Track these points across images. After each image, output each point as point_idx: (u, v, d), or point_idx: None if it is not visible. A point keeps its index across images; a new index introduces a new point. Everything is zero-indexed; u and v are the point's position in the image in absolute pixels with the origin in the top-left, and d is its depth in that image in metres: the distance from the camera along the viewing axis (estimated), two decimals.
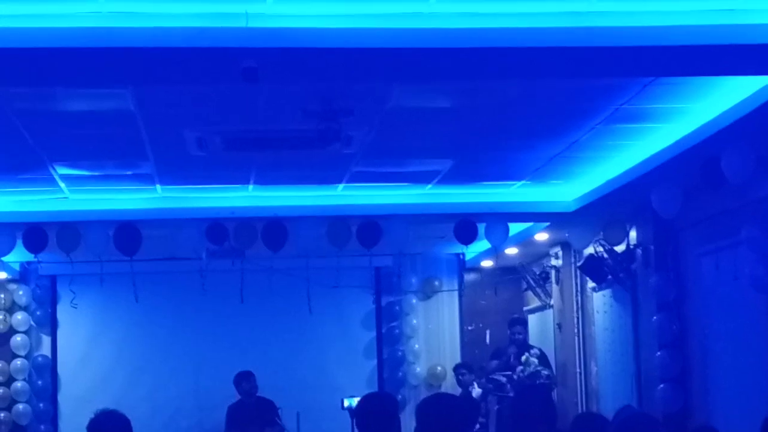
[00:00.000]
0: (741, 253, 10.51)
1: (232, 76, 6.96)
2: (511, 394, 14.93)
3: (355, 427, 7.54)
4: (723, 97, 8.92)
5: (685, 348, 12.47)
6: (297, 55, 7.02)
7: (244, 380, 14.44)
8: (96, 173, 11.51)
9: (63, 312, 16.69)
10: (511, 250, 16.31)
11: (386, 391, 15.48)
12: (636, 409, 6.51)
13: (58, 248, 13.00)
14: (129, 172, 11.54)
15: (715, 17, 7.07)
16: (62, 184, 11.92)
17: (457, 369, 16.61)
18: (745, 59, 7.38)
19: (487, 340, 18.39)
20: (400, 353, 17.48)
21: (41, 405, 16.70)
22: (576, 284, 15.95)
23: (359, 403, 7.67)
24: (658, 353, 12.57)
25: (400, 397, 16.79)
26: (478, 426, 15.10)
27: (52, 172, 11.25)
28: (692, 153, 9.91)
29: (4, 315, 16.92)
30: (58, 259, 13.62)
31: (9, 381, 16.82)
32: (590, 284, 15.19)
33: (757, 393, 10.29)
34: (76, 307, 15.92)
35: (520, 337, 15.71)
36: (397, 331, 17.54)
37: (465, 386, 16.10)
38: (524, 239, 15.42)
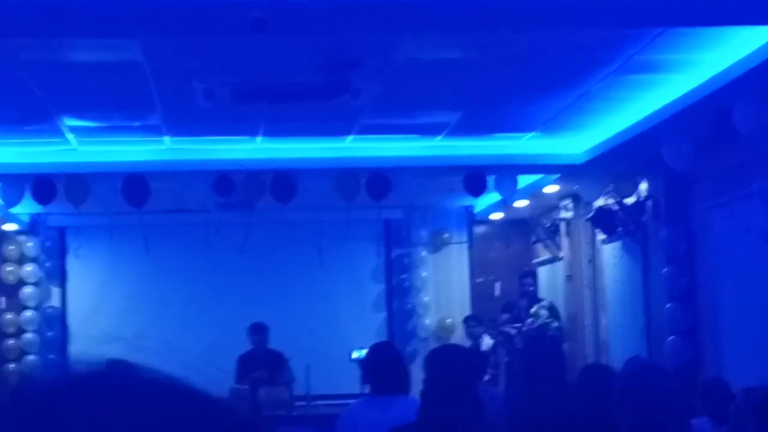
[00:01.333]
0: (753, 206, 10.45)
1: (241, 27, 6.92)
2: (521, 347, 14.94)
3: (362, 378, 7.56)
4: (734, 48, 8.85)
5: (695, 301, 12.46)
6: (305, 5, 6.97)
7: (257, 332, 14.44)
8: (104, 125, 11.48)
9: (72, 264, 16.70)
10: (521, 203, 16.27)
11: (391, 342, 15.52)
12: (645, 360, 6.48)
13: (67, 200, 12.98)
14: (137, 124, 11.50)
15: None
16: (70, 136, 11.88)
17: (466, 321, 16.63)
18: (756, 9, 7.32)
19: (497, 293, 18.39)
20: (409, 306, 17.47)
21: (51, 356, 16.73)
22: (586, 236, 15.91)
23: (367, 354, 7.66)
24: (668, 306, 12.56)
25: (409, 349, 16.80)
26: (487, 377, 15.10)
27: (60, 123, 11.22)
28: (704, 104, 9.86)
29: (14, 267, 16.93)
30: (67, 210, 13.60)
31: (19, 332, 16.86)
32: (600, 236, 15.16)
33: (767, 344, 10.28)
34: (79, 258, 15.96)
35: (531, 289, 15.70)
36: (406, 283, 17.53)
37: (475, 338, 16.12)
38: (534, 191, 15.37)
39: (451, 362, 5.49)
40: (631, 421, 4.96)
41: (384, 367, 7.40)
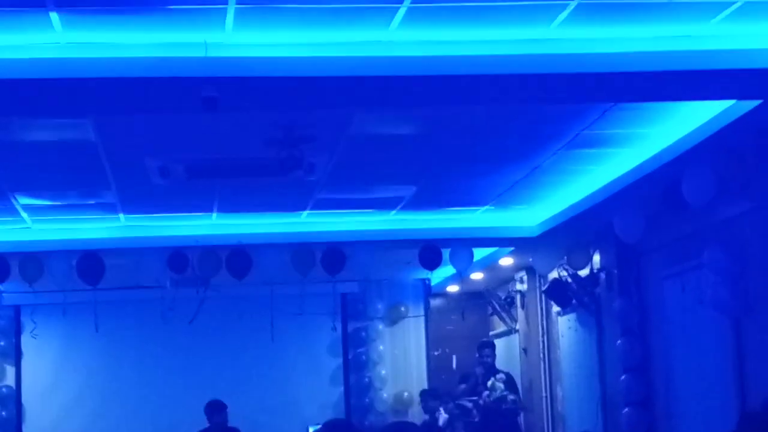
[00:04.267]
0: (704, 276, 10.54)
1: (193, 106, 6.95)
2: (478, 420, 14.93)
3: None
4: (682, 122, 8.98)
5: (649, 372, 12.51)
6: (257, 83, 7.02)
7: (216, 412, 14.25)
8: (58, 203, 11.45)
9: (27, 342, 16.56)
10: (477, 275, 16.34)
11: (347, 419, 15.47)
12: None
13: (21, 278, 12.92)
14: (92, 202, 11.49)
15: (673, 44, 7.13)
16: (24, 214, 11.85)
17: (422, 395, 16.59)
18: (702, 85, 7.45)
19: (454, 365, 18.39)
20: (366, 379, 17.43)
21: None
22: (541, 308, 15.98)
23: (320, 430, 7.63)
24: (623, 377, 12.61)
25: (367, 423, 16.76)
26: None
27: (14, 201, 11.19)
28: (653, 177, 9.98)
29: None
30: (21, 289, 13.53)
31: None
32: (555, 308, 15.23)
33: (721, 417, 10.31)
34: (36, 338, 15.88)
35: (489, 360, 15.69)
36: (363, 357, 17.50)
37: (431, 412, 16.08)
38: (489, 264, 15.45)
39: None
40: None
41: None
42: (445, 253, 13.53)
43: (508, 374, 15.62)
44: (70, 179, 10.46)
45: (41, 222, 12.35)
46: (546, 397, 15.93)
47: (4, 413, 16.53)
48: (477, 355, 15.95)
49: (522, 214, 13.03)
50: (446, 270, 15.08)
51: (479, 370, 15.57)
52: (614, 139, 9.60)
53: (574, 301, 14.18)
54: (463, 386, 15.88)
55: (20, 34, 6.71)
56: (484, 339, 17.10)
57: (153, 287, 14.87)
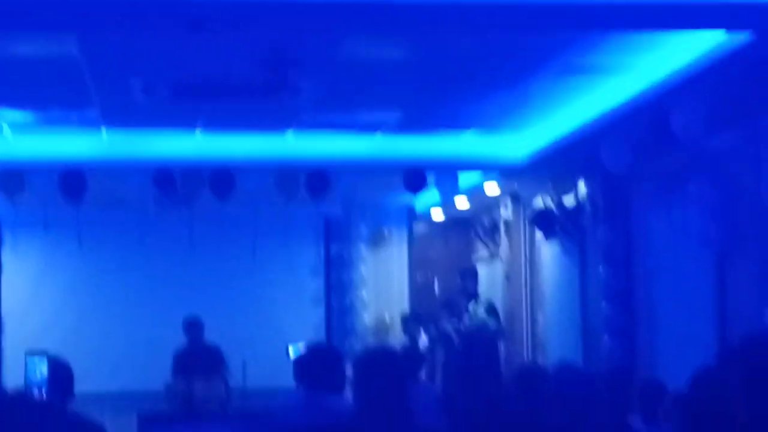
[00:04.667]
0: (689, 209, 10.54)
1: (179, 24, 6.86)
2: (458, 345, 14.99)
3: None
4: (673, 53, 8.92)
5: (630, 301, 12.54)
6: (244, 3, 6.93)
7: (191, 328, 14.34)
8: (40, 117, 11.35)
9: (7, 257, 16.52)
10: (461, 201, 16.30)
11: (330, 343, 15.51)
12: (573, 366, 6.53)
13: (2, 192, 12.84)
14: (74, 116, 11.39)
15: None
16: (6, 128, 11.76)
17: (404, 318, 16.64)
18: (692, 14, 7.39)
19: (436, 290, 18.42)
20: (348, 301, 17.46)
21: None
22: (525, 236, 15.97)
23: (305, 352, 7.63)
24: (604, 306, 12.64)
25: (347, 344, 16.80)
26: (424, 375, 15.13)
27: None
28: (642, 108, 9.93)
29: None
30: (2, 204, 13.46)
31: None
32: (539, 236, 15.22)
33: (702, 347, 10.35)
34: (15, 251, 15.90)
35: (471, 287, 15.72)
36: (345, 279, 17.52)
37: (412, 335, 16.14)
38: (474, 191, 15.41)
39: (378, 367, 5.50)
40: (559, 425, 5.01)
41: (321, 366, 7.40)
42: (430, 178, 13.49)
43: (489, 301, 15.65)
44: (53, 94, 10.36)
45: (23, 136, 12.25)
46: (527, 323, 15.97)
47: None
48: (459, 282, 15.97)
49: (508, 140, 12.97)
50: (431, 196, 15.05)
51: (462, 300, 15.59)
52: (604, 67, 9.54)
53: (558, 230, 14.17)
54: (445, 313, 15.91)
55: None
56: (467, 266, 17.11)
57: (135, 205, 14.81)
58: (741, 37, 7.98)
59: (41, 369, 6.27)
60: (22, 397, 5.77)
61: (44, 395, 5.80)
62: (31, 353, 6.83)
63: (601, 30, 8.28)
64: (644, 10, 7.26)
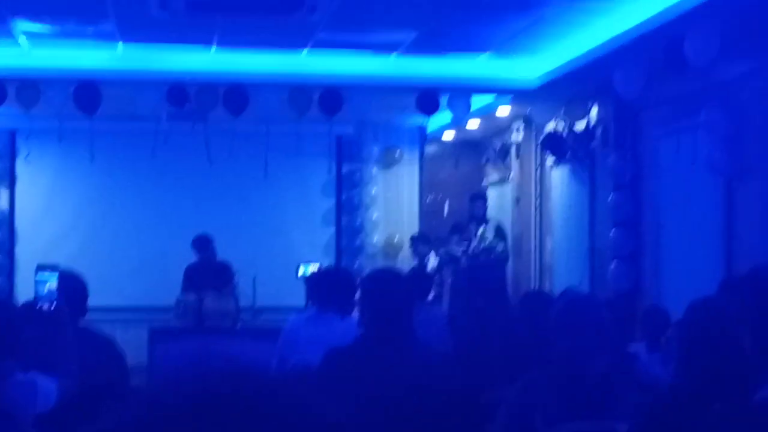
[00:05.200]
0: (700, 136, 10.57)
1: None
2: (466, 267, 15.07)
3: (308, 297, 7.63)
4: None
5: (639, 227, 12.61)
6: None
7: (202, 246, 14.41)
8: (57, 29, 11.38)
9: (22, 167, 16.61)
10: (473, 124, 16.33)
11: (342, 266, 15.61)
12: (578, 292, 6.58)
13: (18, 103, 12.90)
14: (90, 29, 11.41)
15: None
16: (22, 39, 11.79)
17: (413, 240, 16.72)
18: None
19: (446, 212, 18.48)
20: (358, 222, 17.54)
21: None
22: (536, 160, 16.02)
23: (317, 273, 7.72)
24: (612, 231, 12.71)
25: (357, 264, 16.91)
26: (432, 296, 15.23)
27: (12, 27, 11.12)
28: (656, 34, 9.93)
29: None
30: (18, 114, 13.52)
31: None
32: (550, 160, 15.26)
33: (708, 275, 10.43)
34: (29, 163, 15.98)
35: (480, 211, 15.79)
36: (356, 199, 17.57)
37: (420, 257, 16.23)
38: (486, 113, 15.44)
39: (384, 288, 5.57)
40: (563, 350, 5.08)
41: (332, 287, 7.49)
42: (443, 99, 13.52)
43: (498, 223, 15.71)
44: (70, 6, 10.38)
45: (39, 48, 12.28)
46: (535, 247, 16.06)
47: None
48: (469, 206, 16.03)
49: (522, 64, 12.98)
50: (443, 117, 15.07)
51: (472, 226, 15.63)
52: None
53: (569, 154, 14.21)
54: (455, 237, 15.96)
55: None
56: (476, 191, 17.15)
57: (149, 119, 14.85)
58: None
59: (51, 283, 6.29)
60: (34, 310, 5.83)
61: (55, 308, 5.84)
62: (41, 268, 6.90)
63: None
64: None
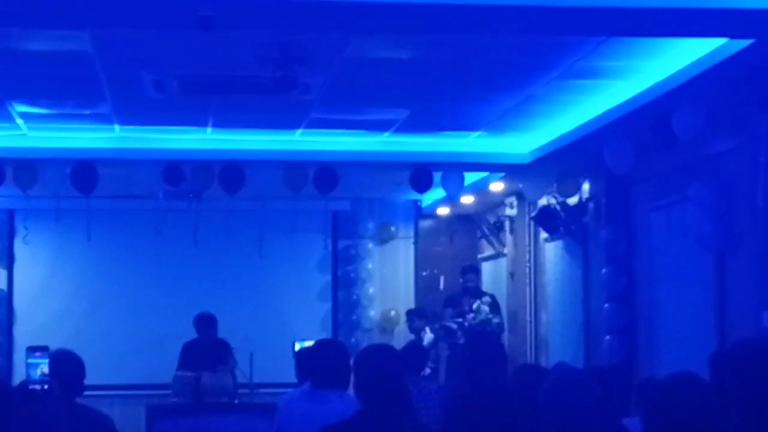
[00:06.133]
0: (689, 210, 10.67)
1: (189, 24, 7.00)
2: (462, 341, 15.09)
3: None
4: (674, 57, 9.05)
5: (632, 301, 12.68)
6: (254, 2, 7.07)
7: (207, 326, 14.31)
8: (54, 112, 11.52)
9: (20, 247, 16.70)
10: (467, 199, 16.44)
11: (336, 339, 15.63)
12: (569, 366, 6.61)
13: (15, 184, 13.02)
14: (87, 112, 11.55)
15: None
16: (20, 121, 11.92)
17: (409, 315, 16.76)
18: (696, 22, 7.51)
19: (441, 286, 18.55)
20: (354, 297, 17.61)
21: None
22: (529, 234, 16.11)
23: (311, 347, 7.72)
24: (606, 305, 12.78)
25: (353, 340, 16.95)
26: (428, 371, 15.25)
27: (10, 109, 11.26)
28: (644, 110, 10.06)
29: None
30: (16, 195, 13.64)
31: None
32: (543, 235, 15.36)
33: (701, 347, 10.48)
34: (27, 244, 16.06)
35: (472, 284, 15.87)
36: (352, 274, 17.67)
37: (416, 332, 16.27)
38: (480, 189, 15.55)
39: (378, 364, 5.63)
40: (555, 424, 5.12)
41: (327, 362, 7.52)
42: (437, 176, 13.63)
43: (492, 296, 15.77)
44: (67, 89, 10.51)
45: (37, 130, 12.42)
46: (530, 321, 16.11)
47: None
48: (461, 279, 16.10)
49: (514, 141, 13.11)
50: (437, 192, 15.19)
51: (466, 299, 15.67)
52: (607, 71, 9.67)
53: (561, 229, 14.31)
54: (449, 310, 16.01)
55: None
56: (468, 263, 17.22)
57: (146, 198, 14.98)
58: (742, 42, 8.12)
59: (43, 367, 6.35)
60: (31, 389, 5.88)
61: (48, 389, 5.89)
62: (32, 349, 6.98)
63: (605, 35, 8.41)
64: (647, 17, 7.39)
